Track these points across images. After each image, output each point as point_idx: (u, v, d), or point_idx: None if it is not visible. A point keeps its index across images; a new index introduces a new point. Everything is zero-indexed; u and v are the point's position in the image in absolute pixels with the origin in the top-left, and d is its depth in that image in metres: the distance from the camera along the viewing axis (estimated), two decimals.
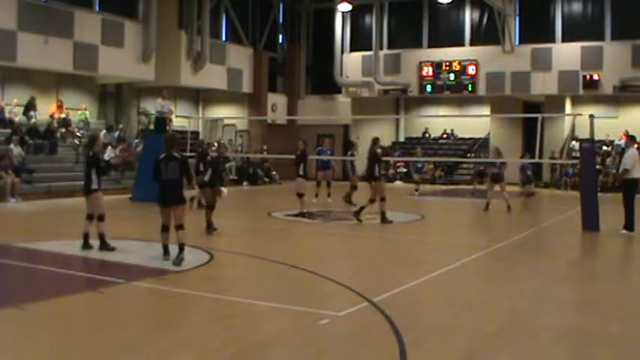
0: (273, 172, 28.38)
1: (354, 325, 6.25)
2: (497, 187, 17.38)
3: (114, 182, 21.13)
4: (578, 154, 18.06)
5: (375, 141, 14.75)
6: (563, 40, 27.82)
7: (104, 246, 9.91)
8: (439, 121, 32.11)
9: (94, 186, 10.04)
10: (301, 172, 14.99)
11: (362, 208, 14.26)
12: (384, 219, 14.15)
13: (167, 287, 7.59)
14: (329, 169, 19.92)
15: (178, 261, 8.80)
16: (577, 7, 28.21)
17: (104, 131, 22.48)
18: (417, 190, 22.15)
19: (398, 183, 28.56)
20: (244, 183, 26.65)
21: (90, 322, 6.19)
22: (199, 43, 26.29)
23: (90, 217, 10.10)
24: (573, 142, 22.03)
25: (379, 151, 14.76)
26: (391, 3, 31.25)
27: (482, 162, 20.65)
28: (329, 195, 19.04)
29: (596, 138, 16.10)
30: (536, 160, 18.07)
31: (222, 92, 29.56)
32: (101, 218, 10.02)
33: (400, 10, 31.32)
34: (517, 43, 28.46)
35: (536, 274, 9.11)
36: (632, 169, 12.83)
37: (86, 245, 9.94)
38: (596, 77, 26.63)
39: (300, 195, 14.97)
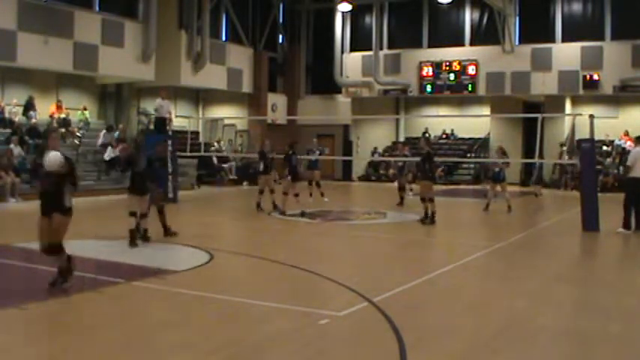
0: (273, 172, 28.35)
1: (354, 325, 6.25)
2: (498, 188, 17.39)
3: (114, 182, 21.13)
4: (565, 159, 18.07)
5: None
6: (563, 40, 27.83)
7: (147, 239, 10.67)
8: (439, 121, 32.12)
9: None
10: (286, 173, 15.85)
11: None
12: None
13: (167, 287, 7.59)
14: (317, 168, 19.92)
15: (63, 286, 7.29)
16: (577, 7, 28.21)
17: (104, 131, 22.48)
18: (410, 189, 22.07)
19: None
20: (244, 183, 26.65)
21: (90, 322, 6.19)
22: (199, 43, 26.30)
23: (134, 214, 10.51)
24: (564, 149, 21.48)
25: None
26: (391, 3, 31.25)
27: (486, 162, 20.62)
28: (322, 194, 19.02)
29: (596, 138, 16.11)
30: (536, 160, 18.09)
31: (222, 92, 29.56)
32: (145, 216, 10.68)
33: (400, 10, 31.32)
34: (517, 43, 28.46)
35: (536, 274, 9.11)
36: (633, 167, 12.86)
37: (145, 238, 10.65)
38: (596, 77, 26.64)
39: (284, 193, 15.50)
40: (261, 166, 16.42)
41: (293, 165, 15.69)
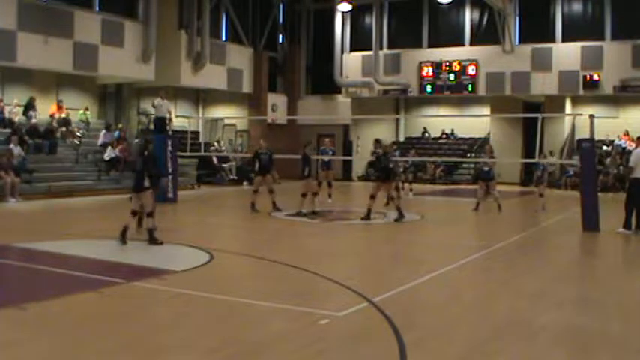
0: (273, 172, 28.36)
1: (354, 325, 6.25)
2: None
3: (114, 182, 21.14)
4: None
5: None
6: (563, 40, 27.84)
7: (153, 240, 10.51)
8: (439, 121, 32.13)
9: (146, 184, 10.70)
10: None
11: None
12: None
13: (167, 287, 7.59)
14: (331, 169, 19.92)
15: None
16: (577, 7, 28.22)
17: (104, 131, 22.48)
18: (410, 190, 22.14)
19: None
20: (244, 183, 26.64)
21: (90, 322, 6.19)
22: (199, 43, 26.30)
23: (135, 214, 10.73)
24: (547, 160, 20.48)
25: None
26: (391, 3, 31.27)
27: (481, 162, 20.64)
28: (330, 195, 19.04)
29: (596, 138, 16.11)
30: (537, 160, 18.08)
31: (222, 92, 29.57)
32: (150, 215, 10.65)
33: (400, 10, 31.33)
34: (517, 43, 28.47)
35: (536, 274, 9.11)
36: (635, 167, 12.86)
37: (151, 238, 10.54)
38: (596, 77, 26.64)
39: (302, 195, 15.35)
40: (257, 166, 16.43)
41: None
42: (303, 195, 15.30)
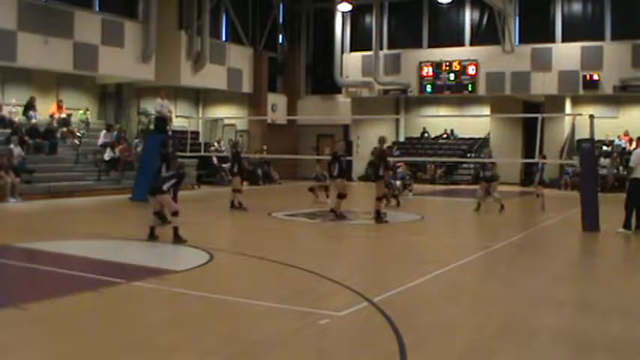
0: (274, 172, 28.42)
1: (354, 325, 6.25)
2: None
3: (114, 182, 21.14)
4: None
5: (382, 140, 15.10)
6: (563, 40, 27.85)
7: (152, 235, 10.87)
8: (439, 121, 32.13)
9: (165, 188, 11.08)
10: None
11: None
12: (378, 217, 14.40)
13: (167, 287, 7.59)
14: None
15: None
16: (577, 7, 28.23)
17: (104, 131, 22.47)
18: (410, 190, 22.18)
19: (398, 183, 28.47)
20: (244, 183, 26.59)
21: (90, 322, 6.19)
22: (199, 43, 26.31)
23: (177, 213, 10.96)
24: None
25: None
26: (391, 3, 31.28)
27: (480, 162, 20.66)
28: (327, 196, 19.07)
29: (596, 138, 16.09)
30: (537, 159, 18.09)
31: (222, 92, 29.57)
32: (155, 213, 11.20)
33: (400, 10, 31.33)
34: (517, 43, 28.48)
35: (536, 274, 9.10)
36: (636, 167, 12.85)
37: (180, 239, 10.70)
38: (596, 77, 26.65)
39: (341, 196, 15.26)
40: (236, 168, 16.99)
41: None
42: (341, 196, 14.94)
